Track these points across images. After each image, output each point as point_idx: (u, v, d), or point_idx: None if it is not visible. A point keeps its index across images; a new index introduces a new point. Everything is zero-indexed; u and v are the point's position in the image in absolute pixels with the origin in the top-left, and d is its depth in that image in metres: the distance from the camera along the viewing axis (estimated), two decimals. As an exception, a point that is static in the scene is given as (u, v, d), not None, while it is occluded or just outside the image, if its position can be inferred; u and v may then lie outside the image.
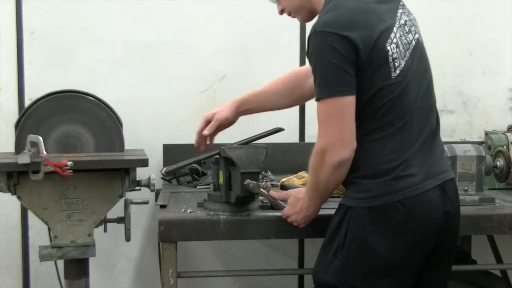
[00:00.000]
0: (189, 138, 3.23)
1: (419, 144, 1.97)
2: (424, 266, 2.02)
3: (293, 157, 3.23)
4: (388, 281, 1.97)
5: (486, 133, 2.97)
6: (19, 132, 2.61)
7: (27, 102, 3.11)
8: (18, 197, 2.46)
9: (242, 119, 3.30)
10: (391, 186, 1.92)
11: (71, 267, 2.61)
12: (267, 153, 2.26)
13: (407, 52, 1.97)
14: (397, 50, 1.93)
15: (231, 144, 2.41)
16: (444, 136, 3.38)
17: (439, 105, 3.40)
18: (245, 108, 2.46)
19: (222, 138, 2.82)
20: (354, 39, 1.86)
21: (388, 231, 1.94)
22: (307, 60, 3.37)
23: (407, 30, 2.00)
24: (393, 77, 1.92)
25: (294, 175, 2.70)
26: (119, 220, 2.68)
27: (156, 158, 3.15)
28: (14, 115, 3.08)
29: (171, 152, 3.19)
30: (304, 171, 2.73)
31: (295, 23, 3.34)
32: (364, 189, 1.95)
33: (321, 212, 2.29)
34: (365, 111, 1.93)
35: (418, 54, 2.01)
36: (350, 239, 1.97)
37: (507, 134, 2.87)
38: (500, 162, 2.68)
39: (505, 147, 2.79)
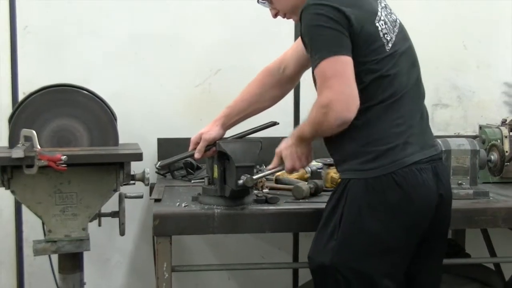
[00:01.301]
0: (184, 132, 3.24)
1: (416, 118, 2.04)
2: (416, 253, 2.05)
3: (287, 151, 3.22)
4: (384, 262, 1.98)
5: (481, 127, 2.98)
6: (12, 126, 2.60)
7: (20, 96, 3.10)
8: (12, 192, 2.46)
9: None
10: (389, 155, 1.96)
11: (65, 261, 2.60)
12: (262, 147, 2.26)
13: (395, 28, 2.06)
14: (386, 26, 2.02)
15: (226, 138, 2.41)
16: (439, 130, 3.44)
17: (433, 99, 3.46)
18: (230, 122, 2.43)
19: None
20: (347, 12, 1.93)
21: (384, 212, 1.96)
22: (302, 54, 3.40)
23: (388, 11, 2.10)
24: (387, 50, 1.99)
25: (289, 169, 2.70)
26: (114, 214, 2.68)
27: (150, 152, 3.15)
28: (7, 109, 3.07)
29: (165, 146, 3.18)
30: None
31: (290, 16, 3.35)
32: (365, 160, 1.98)
33: (316, 207, 2.30)
34: (367, 83, 1.97)
35: (403, 32, 2.10)
36: (346, 219, 1.99)
37: (501, 128, 2.88)
38: (494, 156, 2.69)
39: (499, 141, 2.80)
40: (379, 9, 2.05)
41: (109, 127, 2.71)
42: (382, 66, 1.98)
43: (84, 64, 3.19)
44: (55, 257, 2.68)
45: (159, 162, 2.45)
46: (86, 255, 2.82)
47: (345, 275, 1.98)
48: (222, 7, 3.29)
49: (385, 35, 2.00)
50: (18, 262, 3.25)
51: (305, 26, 1.98)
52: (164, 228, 2.22)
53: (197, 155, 2.35)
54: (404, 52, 2.05)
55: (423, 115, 2.10)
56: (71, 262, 2.61)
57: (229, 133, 2.59)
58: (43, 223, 2.53)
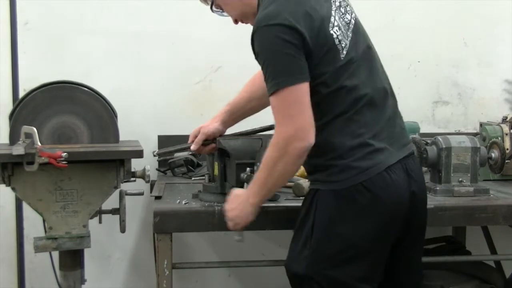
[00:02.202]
0: (184, 129, 3.23)
1: (381, 123, 1.99)
2: (394, 249, 2.03)
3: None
4: (360, 266, 1.97)
5: (481, 124, 2.98)
6: (13, 123, 2.60)
7: (21, 93, 3.10)
8: (13, 189, 2.46)
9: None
10: (356, 167, 1.93)
11: (66, 258, 2.61)
12: (262, 144, 2.26)
13: (349, 32, 2.00)
14: (339, 31, 1.96)
15: (226, 135, 2.41)
16: (439, 127, 3.44)
17: (434, 96, 3.46)
18: (230, 119, 2.42)
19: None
20: (299, 28, 1.86)
21: (354, 216, 1.94)
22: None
23: (343, 11, 2.03)
24: (342, 58, 1.95)
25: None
26: (114, 211, 2.68)
27: (151, 149, 3.13)
28: (8, 106, 3.07)
29: (166, 143, 3.17)
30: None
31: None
32: (331, 173, 1.96)
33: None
34: (324, 96, 1.93)
35: (359, 32, 2.04)
36: (317, 227, 1.97)
37: (502, 125, 2.88)
38: (494, 154, 2.69)
39: (499, 138, 2.80)
40: (333, 12, 1.98)
41: (110, 124, 2.71)
42: (337, 77, 1.93)
43: (85, 61, 3.19)
44: (55, 254, 2.68)
45: (156, 150, 2.47)
46: (86, 252, 2.83)
47: (320, 283, 1.98)
48: (222, 4, 3.28)
49: (341, 42, 1.95)
50: (19, 259, 3.25)
51: (258, 50, 1.92)
52: (165, 225, 2.22)
53: (193, 147, 2.35)
54: (361, 57, 1.99)
55: (392, 116, 2.05)
56: (72, 259, 2.61)
57: (230, 130, 2.59)
58: (43, 220, 2.53)
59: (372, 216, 1.95)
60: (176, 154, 2.98)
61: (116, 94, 2.95)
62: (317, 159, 1.98)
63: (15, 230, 3.23)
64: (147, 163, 2.66)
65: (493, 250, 3.19)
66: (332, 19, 1.96)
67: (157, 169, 3.04)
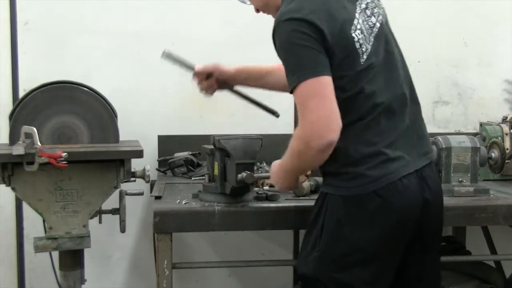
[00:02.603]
0: (184, 129, 3.25)
1: (399, 131, 1.96)
2: (407, 253, 2.01)
3: (288, 148, 3.22)
4: (367, 270, 1.96)
5: (481, 124, 2.98)
6: (13, 123, 2.60)
7: (21, 93, 3.10)
8: (13, 189, 2.46)
9: (240, 111, 3.32)
10: (368, 175, 1.91)
11: (66, 258, 2.61)
12: (262, 144, 2.26)
13: (371, 37, 1.97)
14: (362, 35, 1.94)
15: (226, 135, 2.41)
16: (439, 127, 3.44)
17: (434, 96, 3.46)
18: (245, 75, 2.48)
19: (218, 130, 2.83)
20: (319, 25, 1.86)
21: (363, 220, 1.93)
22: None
23: (368, 13, 2.00)
24: (362, 63, 1.92)
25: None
26: (114, 211, 2.68)
27: (151, 149, 3.15)
28: (8, 106, 3.07)
29: (166, 143, 3.19)
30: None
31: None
32: (343, 179, 1.95)
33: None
34: (342, 101, 1.89)
35: (381, 37, 2.00)
36: (326, 229, 1.97)
37: (501, 125, 2.88)
38: (494, 153, 2.69)
39: (499, 138, 2.80)
40: (357, 14, 1.96)
41: (110, 124, 2.71)
42: (356, 82, 1.91)
43: (85, 61, 3.19)
44: (55, 254, 2.68)
45: (165, 51, 2.45)
46: (86, 252, 2.83)
47: (327, 285, 1.97)
48: (223, 5, 3.28)
49: (362, 46, 1.93)
50: (19, 259, 3.25)
51: (279, 44, 1.92)
52: (165, 225, 2.22)
53: (198, 66, 2.47)
54: (381, 63, 1.96)
55: (411, 124, 2.01)
56: (72, 259, 2.61)
57: (231, 131, 2.60)
58: (43, 220, 2.53)
59: (380, 221, 1.93)
60: (176, 154, 2.98)
61: (116, 94, 2.95)
62: (331, 164, 1.96)
63: (15, 230, 3.23)
64: (147, 163, 2.66)
65: (493, 250, 3.19)
66: (355, 21, 1.94)
67: (157, 169, 3.04)
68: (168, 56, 2.44)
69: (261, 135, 2.32)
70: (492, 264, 3.09)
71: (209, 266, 3.06)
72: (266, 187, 2.50)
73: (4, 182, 2.43)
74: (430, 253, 2.09)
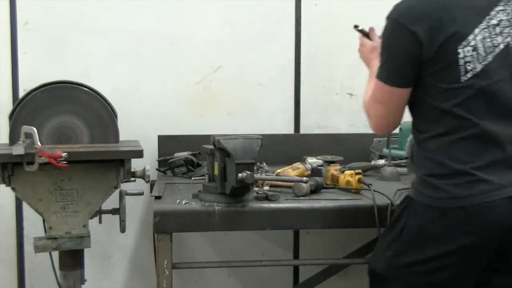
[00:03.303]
0: (184, 129, 3.25)
1: (494, 157, 1.86)
2: (484, 273, 1.95)
3: (288, 148, 3.24)
4: (439, 280, 1.91)
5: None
6: (13, 123, 2.60)
7: (21, 93, 3.10)
8: (13, 189, 2.46)
9: (240, 111, 3.32)
10: (450, 191, 1.86)
11: (66, 258, 2.61)
12: (262, 144, 2.26)
13: (489, 56, 1.86)
14: (474, 53, 1.85)
15: (226, 135, 2.41)
16: None
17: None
18: None
19: (218, 130, 2.83)
20: (421, 36, 1.85)
21: (441, 233, 1.88)
22: (303, 52, 3.42)
23: (497, 31, 1.88)
24: (462, 81, 1.85)
25: (289, 166, 2.70)
26: (114, 211, 2.68)
27: (151, 149, 3.15)
28: (8, 106, 3.07)
29: (166, 143, 3.19)
30: (299, 162, 2.73)
31: (290, 14, 3.36)
32: (434, 189, 1.89)
33: (316, 204, 2.31)
34: (433, 111, 1.90)
35: (504, 58, 1.88)
36: (405, 232, 1.96)
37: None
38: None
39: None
40: (477, 30, 1.86)
41: (110, 124, 2.71)
42: (448, 98, 1.87)
43: (85, 61, 3.19)
44: (55, 254, 2.68)
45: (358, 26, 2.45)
46: (86, 252, 2.83)
47: (393, 286, 1.98)
48: (223, 5, 3.29)
49: (467, 64, 1.85)
50: (19, 259, 3.25)
51: (382, 34, 1.99)
52: (165, 225, 2.22)
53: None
54: (493, 86, 1.85)
55: (506, 148, 1.87)
56: (72, 259, 2.61)
57: (231, 131, 2.60)
58: (43, 220, 2.53)
59: (462, 236, 1.86)
60: (176, 154, 2.98)
61: (116, 94, 2.96)
62: (417, 169, 1.97)
63: (15, 230, 3.23)
64: (147, 163, 2.67)
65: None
66: (471, 37, 1.85)
67: (157, 169, 3.04)
68: (360, 31, 2.44)
69: (261, 135, 2.32)
70: None
71: (209, 266, 3.06)
72: (266, 187, 2.49)
73: (4, 182, 2.43)
74: (508, 278, 1.99)
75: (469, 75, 1.85)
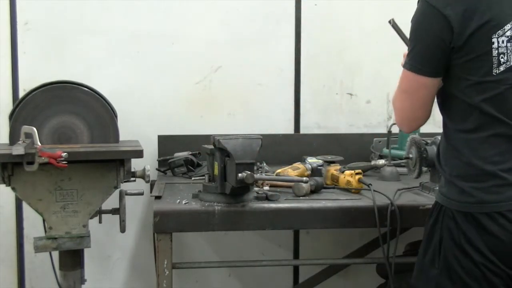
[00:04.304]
0: (185, 129, 3.25)
1: None
2: None
3: (288, 148, 3.24)
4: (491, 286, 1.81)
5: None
6: (13, 123, 2.60)
7: (21, 93, 3.10)
8: (13, 188, 2.46)
9: (240, 111, 3.32)
10: (476, 196, 1.78)
11: (66, 258, 2.61)
12: (262, 144, 2.26)
13: None
14: (509, 44, 1.75)
15: (226, 135, 2.41)
16: (439, 127, 3.37)
17: (434, 96, 3.46)
18: None
19: (218, 130, 2.83)
20: (453, 21, 1.74)
21: (485, 239, 1.77)
22: (303, 52, 3.42)
23: None
24: (494, 73, 1.75)
25: (289, 166, 2.70)
26: (114, 211, 2.68)
27: (151, 149, 3.15)
28: (8, 106, 3.07)
29: (166, 143, 3.19)
30: (299, 162, 2.73)
31: (290, 14, 3.36)
32: (461, 192, 1.81)
33: (316, 204, 2.31)
34: (461, 106, 1.81)
35: None
36: (445, 244, 1.84)
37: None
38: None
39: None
40: None
41: (110, 124, 2.71)
42: (478, 91, 1.77)
43: (85, 61, 3.19)
44: (55, 254, 2.68)
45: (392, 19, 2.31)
46: (86, 252, 2.83)
47: None
48: (223, 5, 3.29)
49: (501, 56, 1.75)
50: (19, 259, 3.25)
51: (412, 18, 1.85)
52: (165, 225, 2.22)
53: None
54: None
55: None
56: (72, 259, 2.61)
57: (231, 131, 2.60)
58: (43, 220, 2.53)
59: (503, 243, 1.76)
60: (176, 154, 2.98)
61: (116, 94, 2.95)
62: (443, 168, 1.89)
63: (15, 230, 3.23)
64: (147, 163, 2.67)
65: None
66: (507, 26, 1.75)
67: (157, 169, 3.04)
68: (394, 26, 2.31)
69: (261, 135, 2.32)
70: None
71: (209, 266, 3.06)
72: (266, 187, 2.49)
73: (4, 182, 2.44)
74: None
75: (502, 68, 1.76)
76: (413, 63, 1.84)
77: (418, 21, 1.84)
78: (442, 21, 1.76)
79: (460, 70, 1.79)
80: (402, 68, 1.91)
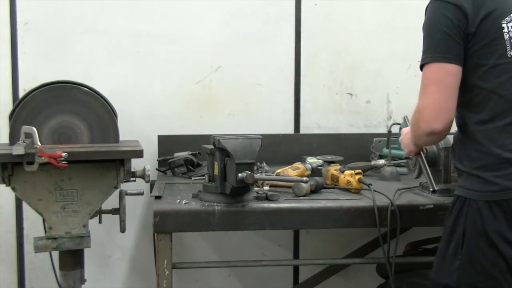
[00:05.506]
0: (185, 129, 3.25)
1: None
2: None
3: (288, 148, 3.24)
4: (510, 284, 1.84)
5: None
6: (13, 123, 2.60)
7: (21, 93, 3.10)
8: (13, 188, 2.46)
9: (240, 111, 3.32)
10: (499, 184, 1.82)
11: (66, 258, 2.61)
12: (262, 144, 2.26)
13: None
14: None
15: (226, 135, 2.41)
16: None
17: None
18: None
19: (218, 130, 2.83)
20: (467, 8, 1.84)
21: (504, 225, 1.81)
22: (303, 52, 3.43)
23: None
24: (509, 56, 1.85)
25: (289, 166, 2.70)
26: (114, 211, 2.68)
27: (151, 149, 3.15)
28: (8, 106, 3.07)
29: (166, 143, 3.19)
30: (299, 162, 2.73)
31: (290, 14, 3.36)
32: (484, 183, 1.85)
33: (316, 204, 2.31)
34: (479, 94, 1.87)
35: None
36: (468, 236, 1.86)
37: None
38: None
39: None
40: None
41: (110, 124, 2.71)
42: (496, 75, 1.84)
43: (85, 61, 3.19)
44: (55, 254, 2.68)
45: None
46: (86, 252, 2.83)
47: None
48: (223, 5, 3.29)
49: None
50: (19, 259, 3.25)
51: (424, 22, 1.93)
52: (165, 225, 2.22)
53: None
54: None
55: None
56: (72, 259, 2.61)
57: (231, 131, 2.60)
58: (43, 220, 2.53)
59: None
60: (176, 154, 2.98)
61: (116, 94, 2.96)
62: (463, 164, 1.92)
63: (15, 230, 3.23)
64: (147, 163, 2.67)
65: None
66: None
67: (157, 169, 3.04)
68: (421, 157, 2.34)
69: (261, 135, 2.32)
70: None
71: (209, 266, 3.06)
72: (266, 187, 2.50)
73: (4, 182, 2.44)
74: None
75: None
76: (435, 54, 1.88)
77: (432, 17, 1.91)
78: (457, 10, 1.85)
79: (477, 57, 1.86)
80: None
